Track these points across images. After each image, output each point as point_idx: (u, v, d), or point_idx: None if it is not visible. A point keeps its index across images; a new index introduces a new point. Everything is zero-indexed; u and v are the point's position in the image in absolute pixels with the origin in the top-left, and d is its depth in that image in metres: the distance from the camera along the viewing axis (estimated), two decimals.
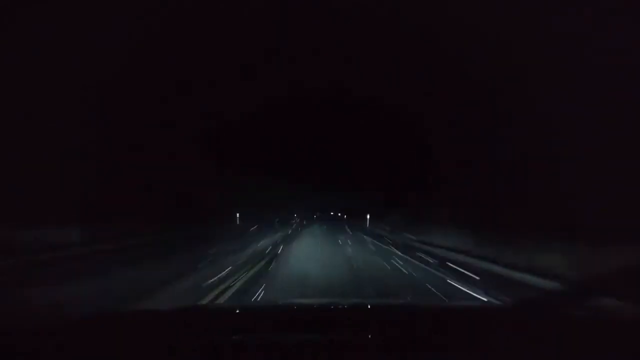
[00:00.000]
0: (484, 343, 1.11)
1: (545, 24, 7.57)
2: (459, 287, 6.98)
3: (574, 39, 6.95)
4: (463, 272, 8.62)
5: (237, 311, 1.70)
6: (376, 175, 29.22)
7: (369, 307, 1.88)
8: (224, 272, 7.58)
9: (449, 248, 12.79)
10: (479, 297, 6.12)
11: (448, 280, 7.63)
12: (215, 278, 6.93)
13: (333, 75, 18.19)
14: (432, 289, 6.69)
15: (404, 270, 8.95)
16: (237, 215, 29.40)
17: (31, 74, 8.90)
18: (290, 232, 23.99)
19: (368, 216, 32.28)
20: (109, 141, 12.02)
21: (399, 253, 12.61)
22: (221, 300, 5.47)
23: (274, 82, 18.38)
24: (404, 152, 21.66)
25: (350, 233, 24.22)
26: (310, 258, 10.93)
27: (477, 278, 7.88)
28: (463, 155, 13.46)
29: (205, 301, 5.24)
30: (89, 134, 11.06)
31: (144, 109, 13.46)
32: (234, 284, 6.58)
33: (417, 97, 14.85)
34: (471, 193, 12.70)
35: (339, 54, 15.60)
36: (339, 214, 61.63)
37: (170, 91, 14.27)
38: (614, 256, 6.08)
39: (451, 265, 9.79)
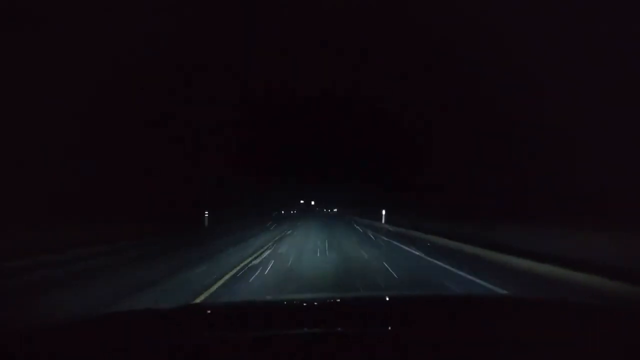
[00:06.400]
0: (491, 333, 1.10)
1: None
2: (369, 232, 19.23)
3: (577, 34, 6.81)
4: (375, 228, 20.66)
5: (232, 309, 1.70)
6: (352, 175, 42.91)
7: (372, 300, 1.89)
8: None
9: (377, 219, 25.63)
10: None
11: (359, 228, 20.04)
12: None
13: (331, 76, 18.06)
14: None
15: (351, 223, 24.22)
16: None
17: (31, 73, 8.78)
18: None
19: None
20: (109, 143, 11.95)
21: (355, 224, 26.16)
22: None
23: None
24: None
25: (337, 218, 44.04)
26: None
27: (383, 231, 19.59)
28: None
29: None
30: (88, 136, 10.91)
31: (145, 106, 13.23)
32: None
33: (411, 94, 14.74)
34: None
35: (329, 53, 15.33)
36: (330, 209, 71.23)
37: (168, 90, 13.98)
38: None
39: (369, 225, 22.63)
